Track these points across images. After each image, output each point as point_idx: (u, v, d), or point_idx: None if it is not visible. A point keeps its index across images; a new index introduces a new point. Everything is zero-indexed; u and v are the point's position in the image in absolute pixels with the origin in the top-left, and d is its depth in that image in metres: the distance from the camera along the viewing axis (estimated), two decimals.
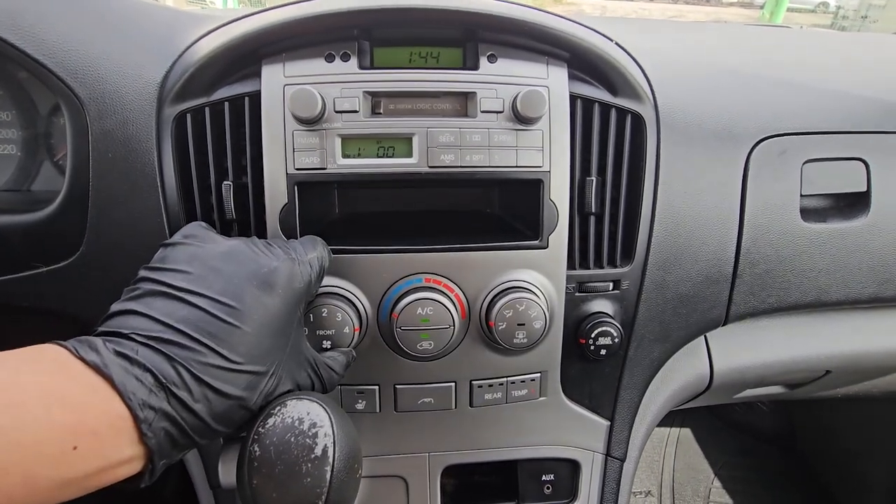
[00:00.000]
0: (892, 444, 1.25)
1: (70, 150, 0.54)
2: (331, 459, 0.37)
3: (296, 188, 0.53)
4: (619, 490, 0.67)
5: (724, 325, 0.69)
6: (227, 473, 0.38)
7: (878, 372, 0.83)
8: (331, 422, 0.38)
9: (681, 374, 0.72)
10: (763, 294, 0.68)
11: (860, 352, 0.77)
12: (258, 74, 0.53)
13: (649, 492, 1.41)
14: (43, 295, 0.57)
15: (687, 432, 1.56)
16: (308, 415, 0.38)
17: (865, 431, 1.31)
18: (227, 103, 0.54)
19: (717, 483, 1.43)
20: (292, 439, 0.37)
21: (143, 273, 0.41)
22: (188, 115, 0.55)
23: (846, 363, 0.78)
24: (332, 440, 0.37)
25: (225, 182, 0.54)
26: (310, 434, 0.37)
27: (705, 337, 0.74)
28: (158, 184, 0.54)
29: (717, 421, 1.58)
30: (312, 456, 0.36)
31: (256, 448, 0.37)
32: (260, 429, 0.38)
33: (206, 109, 0.55)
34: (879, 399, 1.03)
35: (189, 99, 0.55)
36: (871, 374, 0.84)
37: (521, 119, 0.53)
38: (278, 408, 0.39)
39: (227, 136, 0.55)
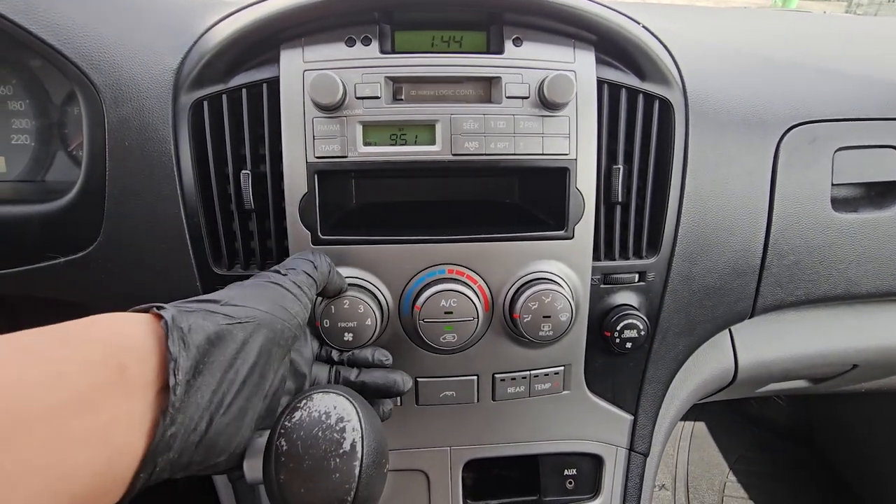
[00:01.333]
0: None
1: (86, 138, 0.53)
2: (359, 454, 0.36)
3: (316, 177, 0.52)
4: (642, 485, 0.66)
5: (750, 318, 0.68)
6: (252, 468, 0.37)
7: None
8: (358, 416, 0.37)
9: (705, 367, 0.70)
10: (791, 286, 0.66)
11: (889, 345, 0.75)
12: (276, 60, 0.52)
13: (663, 485, 1.40)
14: (60, 286, 0.56)
15: (701, 426, 1.55)
16: (335, 409, 0.37)
17: (884, 425, 1.29)
18: (244, 90, 0.53)
19: (732, 477, 1.42)
20: (320, 434, 0.36)
21: None
22: (205, 103, 0.54)
23: (874, 357, 0.76)
24: (360, 435, 0.36)
25: (243, 171, 0.53)
26: (337, 428, 0.36)
27: (730, 330, 0.72)
28: (175, 173, 0.53)
29: (732, 415, 1.57)
30: (341, 451, 0.35)
31: (283, 442, 0.36)
32: (286, 423, 0.37)
33: (224, 97, 0.53)
34: None
35: (206, 86, 0.53)
36: None
37: (548, 105, 0.51)
38: (304, 401, 0.38)
39: (245, 123, 0.53)
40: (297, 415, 0.37)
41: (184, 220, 0.54)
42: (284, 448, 0.36)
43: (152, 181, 0.53)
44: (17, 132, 0.67)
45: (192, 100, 0.53)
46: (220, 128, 0.54)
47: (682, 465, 1.44)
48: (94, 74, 0.51)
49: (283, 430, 0.36)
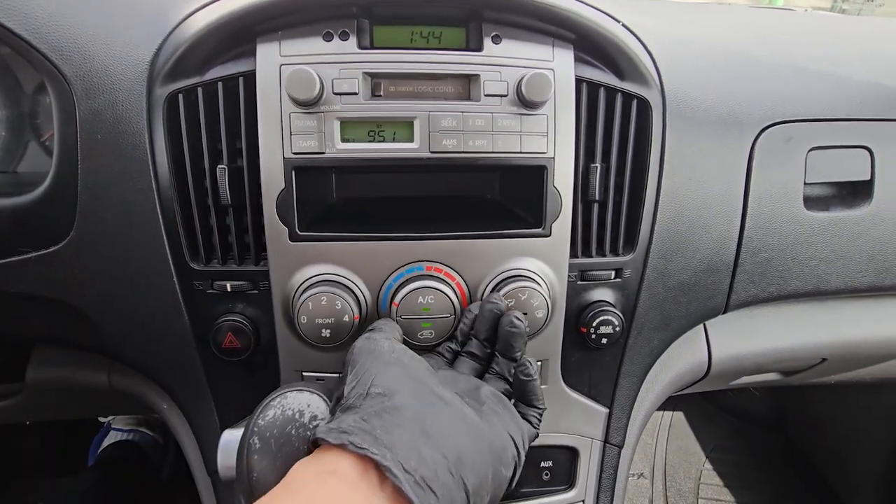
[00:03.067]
0: (878, 430, 1.27)
1: (57, 130, 0.52)
2: None
3: (293, 173, 0.51)
4: (616, 476, 0.67)
5: (723, 313, 0.69)
6: (225, 465, 0.38)
7: (872, 360, 0.84)
8: (331, 414, 0.38)
9: (679, 361, 0.72)
10: (763, 283, 0.68)
11: (856, 340, 0.78)
12: (253, 53, 0.51)
13: (641, 474, 1.43)
14: (33, 281, 0.55)
15: (680, 416, 1.58)
16: (308, 407, 0.38)
17: (853, 417, 1.33)
18: (220, 83, 0.52)
19: (708, 465, 1.45)
20: (293, 432, 0.36)
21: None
22: (180, 96, 0.53)
23: (842, 351, 0.79)
24: None
25: (220, 166, 0.52)
26: (311, 427, 0.37)
27: (704, 325, 0.74)
28: (150, 167, 0.53)
29: (709, 405, 1.61)
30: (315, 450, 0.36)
31: (256, 440, 0.36)
32: (259, 421, 0.37)
33: (199, 90, 0.53)
34: (870, 386, 1.04)
35: (181, 78, 0.53)
36: (865, 361, 0.84)
37: (526, 103, 0.51)
38: (278, 399, 0.38)
39: (222, 117, 0.53)
40: (271, 413, 0.37)
41: (159, 216, 0.53)
42: (257, 446, 0.36)
43: (126, 175, 0.53)
44: None
45: (166, 92, 0.53)
46: (196, 122, 0.53)
47: (661, 454, 1.48)
48: (63, 65, 0.50)
49: (256, 429, 0.36)
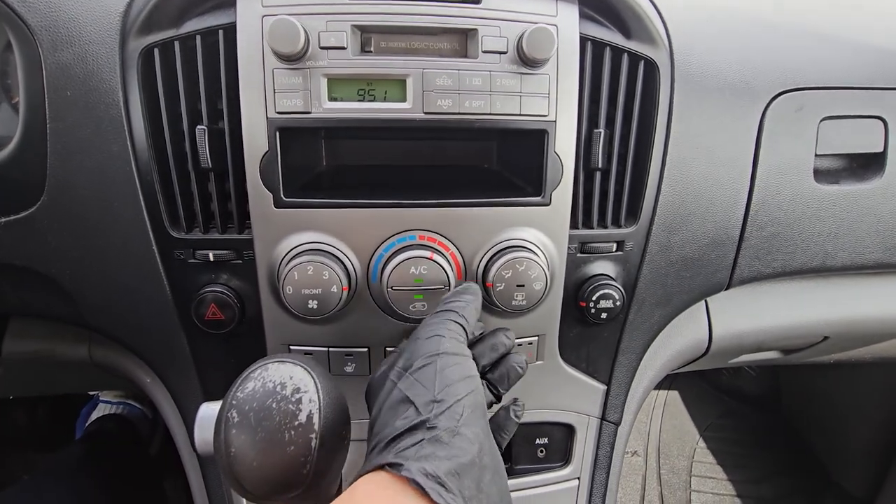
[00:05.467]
0: (871, 409, 1.27)
1: (22, 87, 0.48)
2: (316, 426, 0.34)
3: (277, 134, 0.48)
4: (612, 453, 0.66)
5: (726, 289, 0.67)
6: (202, 440, 0.36)
7: (874, 338, 0.83)
8: (316, 387, 0.36)
9: (679, 338, 0.70)
10: (768, 258, 0.65)
11: (860, 318, 0.76)
12: (233, 4, 0.48)
13: (636, 452, 1.44)
14: (1, 248, 0.52)
15: (675, 395, 1.58)
16: (291, 379, 0.35)
17: (847, 396, 1.33)
18: (198, 37, 0.49)
19: (702, 444, 1.46)
20: (274, 405, 0.34)
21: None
22: (156, 50, 0.49)
23: (845, 329, 0.77)
24: (317, 406, 0.35)
25: (199, 126, 0.49)
26: (293, 399, 0.34)
27: (706, 301, 0.72)
28: (125, 128, 0.49)
29: (704, 384, 1.61)
30: (296, 423, 0.34)
31: (234, 414, 0.34)
32: (238, 393, 0.35)
33: (176, 44, 0.49)
34: (868, 364, 1.03)
35: (155, 31, 0.49)
36: (867, 339, 0.83)
37: (527, 61, 0.48)
38: (258, 371, 0.36)
39: (200, 74, 0.49)
40: (250, 385, 0.35)
41: (136, 180, 0.50)
42: (236, 420, 0.34)
43: (99, 136, 0.49)
44: None
45: (141, 46, 0.49)
46: (174, 79, 0.50)
47: (655, 432, 1.48)
48: (26, 14, 0.46)
49: (234, 402, 0.34)
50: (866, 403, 1.29)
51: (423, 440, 0.33)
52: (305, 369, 0.36)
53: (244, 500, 0.60)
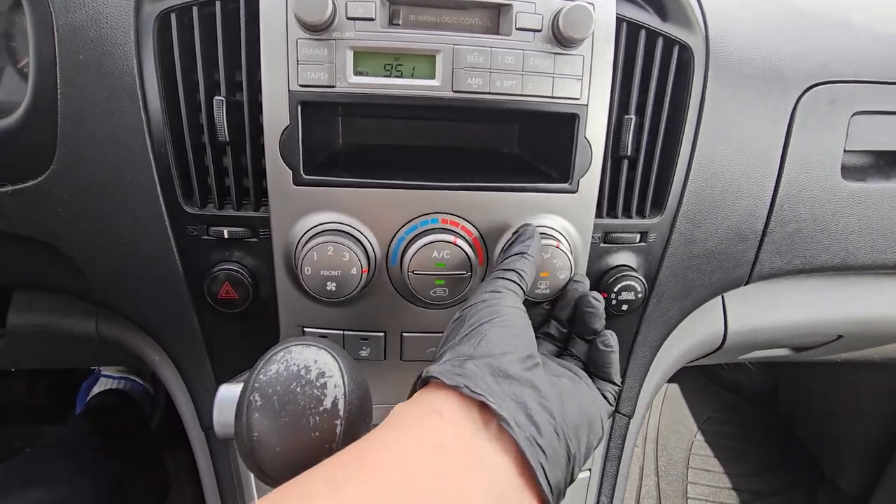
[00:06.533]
0: (869, 408, 1.28)
1: (32, 48, 0.46)
2: (341, 412, 0.33)
3: (299, 108, 0.46)
4: (623, 445, 0.66)
5: (745, 284, 0.66)
6: (222, 423, 0.34)
7: (888, 338, 0.82)
8: (341, 371, 0.34)
9: (695, 332, 0.69)
10: (790, 254, 0.64)
11: (876, 317, 0.75)
12: None
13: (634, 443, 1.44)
14: (9, 218, 0.50)
15: (674, 388, 1.59)
16: (315, 363, 0.34)
17: (845, 395, 1.34)
18: (218, 3, 0.46)
19: (699, 437, 1.47)
20: (298, 389, 0.33)
21: None
22: (172, 16, 0.47)
23: (860, 328, 0.76)
24: (343, 391, 0.34)
25: (217, 97, 0.47)
26: (318, 384, 0.33)
27: (722, 296, 0.71)
28: (139, 96, 0.47)
29: (703, 378, 1.61)
30: (321, 408, 0.33)
31: (257, 397, 0.33)
32: (261, 376, 0.33)
33: (194, 9, 0.47)
34: (869, 365, 1.03)
35: None
36: (882, 340, 0.83)
37: (562, 41, 0.46)
38: (282, 353, 0.35)
39: (219, 43, 0.47)
40: (274, 368, 0.34)
41: (150, 152, 0.48)
42: (258, 403, 0.32)
43: (112, 104, 0.47)
44: None
45: (157, 11, 0.47)
46: (191, 46, 0.47)
47: (654, 424, 1.49)
48: None
49: (257, 385, 0.33)
50: (863, 402, 1.29)
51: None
52: (330, 353, 0.35)
53: (253, 480, 0.59)
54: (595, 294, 0.47)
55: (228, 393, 0.35)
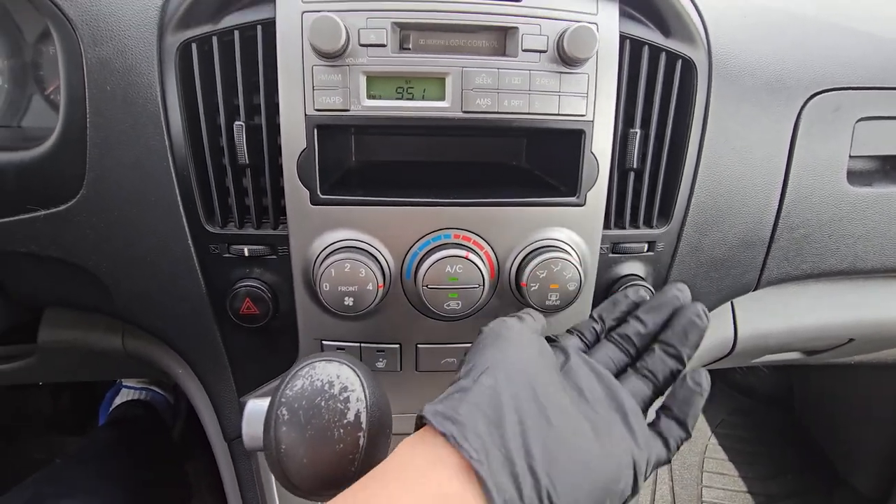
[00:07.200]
0: (883, 409, 1.27)
1: (63, 80, 0.48)
2: (364, 425, 0.35)
3: (315, 131, 0.48)
4: None
5: (753, 290, 0.67)
6: (251, 436, 0.36)
7: None
8: (362, 386, 0.36)
9: (705, 338, 0.70)
10: (798, 260, 0.65)
11: (887, 320, 0.76)
12: None
13: None
14: (42, 240, 0.53)
15: None
16: (338, 378, 0.36)
17: (860, 396, 1.33)
18: (237, 32, 0.49)
19: (713, 440, 1.46)
20: (322, 403, 0.35)
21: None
22: (193, 45, 0.49)
23: (871, 331, 0.77)
24: (364, 405, 0.35)
25: (237, 122, 0.49)
26: (341, 398, 0.35)
27: (731, 302, 0.72)
28: (163, 122, 0.49)
29: (716, 382, 1.60)
30: (345, 421, 0.34)
31: (284, 411, 0.34)
32: (287, 391, 0.35)
33: (214, 39, 0.49)
34: (883, 367, 1.03)
35: (193, 26, 0.49)
36: (894, 342, 0.82)
37: (567, 60, 0.47)
38: (306, 369, 0.36)
39: (238, 70, 0.49)
40: (299, 383, 0.35)
41: (173, 175, 0.51)
42: (286, 417, 0.34)
43: (138, 131, 0.50)
44: None
45: (178, 41, 0.49)
46: (211, 74, 0.50)
47: None
48: (68, 8, 0.46)
49: (283, 399, 0.35)
50: (879, 404, 1.28)
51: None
52: (352, 368, 0.37)
53: (276, 490, 0.61)
54: (703, 306, 0.42)
55: (256, 407, 0.37)
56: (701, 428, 1.50)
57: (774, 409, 1.54)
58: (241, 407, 0.60)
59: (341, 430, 0.34)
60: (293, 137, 0.48)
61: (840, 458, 1.37)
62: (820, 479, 1.37)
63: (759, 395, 1.57)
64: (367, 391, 0.36)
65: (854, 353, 0.86)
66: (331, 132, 0.50)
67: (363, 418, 0.35)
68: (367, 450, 0.35)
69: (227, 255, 0.53)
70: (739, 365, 0.89)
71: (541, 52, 0.48)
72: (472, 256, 0.49)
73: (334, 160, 0.54)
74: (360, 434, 0.34)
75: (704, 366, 0.77)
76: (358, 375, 0.36)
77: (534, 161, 0.61)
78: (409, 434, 0.59)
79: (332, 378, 0.36)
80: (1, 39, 0.61)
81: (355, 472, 0.34)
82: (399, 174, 0.59)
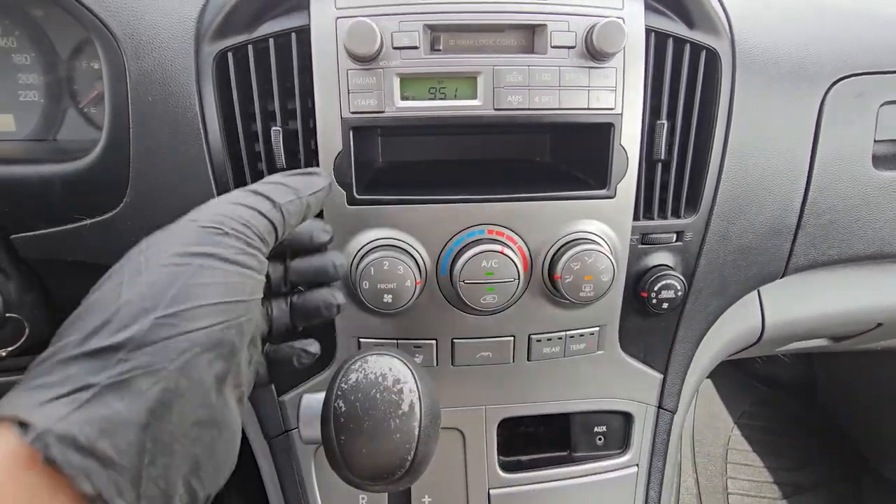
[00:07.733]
0: None
1: (108, 93, 0.50)
2: (418, 415, 0.36)
3: (351, 133, 0.49)
4: (668, 440, 0.67)
5: (781, 277, 0.67)
6: (308, 429, 0.37)
7: None
8: (414, 377, 0.37)
9: (733, 326, 0.71)
10: (825, 246, 0.65)
11: None
12: (306, 6, 0.49)
13: None
14: (88, 249, 0.54)
15: (707, 382, 1.58)
16: (391, 370, 0.37)
17: (884, 382, 1.32)
18: (271, 40, 0.50)
19: (736, 431, 1.46)
20: (378, 395, 0.36)
21: None
22: (229, 54, 0.51)
23: None
24: (417, 395, 0.36)
25: (274, 128, 0.50)
26: (395, 390, 0.36)
27: (758, 290, 0.72)
28: (201, 129, 0.51)
29: (737, 372, 1.60)
30: (400, 412, 0.35)
31: (342, 404, 0.36)
32: (343, 384, 0.36)
33: (249, 47, 0.50)
34: None
35: (229, 36, 0.50)
36: None
37: (596, 55, 0.48)
38: (359, 363, 0.38)
39: (274, 76, 0.51)
40: (353, 377, 0.37)
41: (212, 181, 0.52)
42: (343, 409, 0.35)
43: (177, 138, 0.51)
44: (24, 88, 0.64)
45: (215, 51, 0.50)
46: (247, 81, 0.51)
47: (689, 419, 1.49)
48: (113, 23, 0.48)
49: (340, 392, 0.36)
50: None
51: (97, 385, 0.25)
52: (402, 361, 0.38)
53: (316, 486, 0.62)
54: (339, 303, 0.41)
55: (312, 401, 0.38)
56: (724, 419, 1.49)
57: (797, 398, 1.54)
58: (282, 406, 0.61)
59: (397, 421, 0.35)
60: (329, 140, 0.50)
61: (868, 445, 1.36)
62: (847, 468, 1.36)
63: (781, 385, 1.56)
64: (419, 383, 0.37)
65: (881, 338, 0.86)
66: (362, 134, 0.51)
67: (417, 408, 0.36)
68: (420, 439, 0.36)
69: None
70: (767, 353, 0.89)
71: (569, 48, 0.49)
72: (506, 251, 0.50)
73: (365, 161, 0.56)
74: (415, 423, 0.35)
75: (733, 354, 0.77)
76: (409, 368, 0.38)
77: (559, 155, 0.62)
78: (452, 428, 0.60)
79: (385, 371, 0.37)
80: (37, 57, 0.63)
81: (412, 461, 0.35)
82: (428, 173, 0.60)
